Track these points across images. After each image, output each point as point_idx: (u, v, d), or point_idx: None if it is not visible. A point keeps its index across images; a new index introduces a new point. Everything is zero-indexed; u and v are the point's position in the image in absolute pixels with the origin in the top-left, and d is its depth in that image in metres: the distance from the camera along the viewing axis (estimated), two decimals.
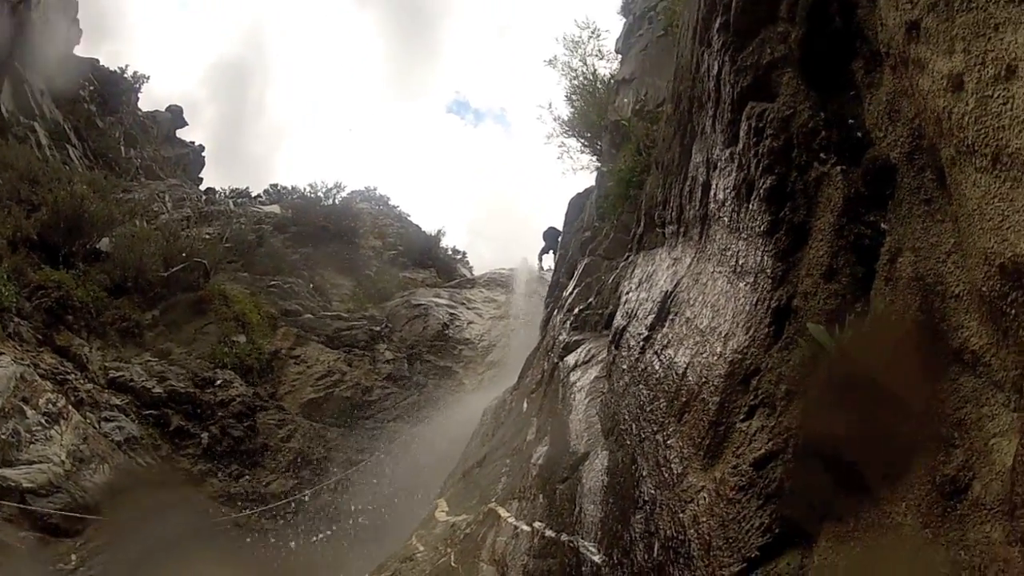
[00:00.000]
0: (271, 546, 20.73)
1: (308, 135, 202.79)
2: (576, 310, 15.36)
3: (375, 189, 54.83)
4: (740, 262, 6.46)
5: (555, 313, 18.83)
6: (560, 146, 27.09)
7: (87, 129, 43.29)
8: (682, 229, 9.15)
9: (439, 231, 50.73)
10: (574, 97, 25.91)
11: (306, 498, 22.97)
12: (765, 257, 5.87)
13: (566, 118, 26.70)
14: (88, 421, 19.39)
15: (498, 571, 9.41)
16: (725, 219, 7.12)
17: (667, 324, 8.17)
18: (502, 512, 10.97)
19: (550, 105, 29.31)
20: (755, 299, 5.90)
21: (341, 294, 36.54)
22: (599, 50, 26.25)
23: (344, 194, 46.14)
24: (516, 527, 9.95)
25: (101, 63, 51.75)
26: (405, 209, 53.83)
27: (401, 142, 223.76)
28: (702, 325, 6.99)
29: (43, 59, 40.65)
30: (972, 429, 3.46)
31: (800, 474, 4.74)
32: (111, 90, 50.43)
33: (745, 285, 6.21)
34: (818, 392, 4.70)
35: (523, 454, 12.20)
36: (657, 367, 7.80)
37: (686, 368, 6.93)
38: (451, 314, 35.54)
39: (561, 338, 14.65)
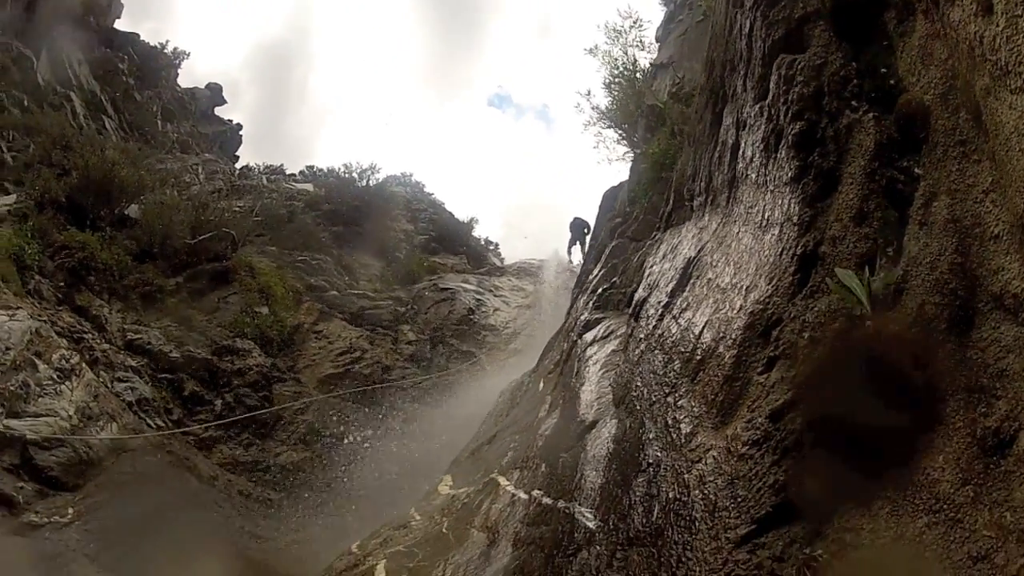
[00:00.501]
0: (274, 516, 20.59)
1: (348, 121, 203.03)
2: (600, 290, 15.06)
3: (411, 175, 54.30)
4: (766, 215, 6.29)
5: (579, 297, 18.60)
6: (596, 135, 26.96)
7: (124, 102, 43.61)
8: (710, 198, 8.98)
9: (472, 219, 50.58)
10: (613, 86, 25.78)
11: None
12: (792, 203, 5.69)
13: (604, 107, 26.62)
14: (101, 380, 19.32)
15: (488, 538, 9.25)
16: (752, 176, 6.96)
17: (688, 288, 8.01)
18: (502, 481, 10.86)
19: (589, 93, 29.14)
20: (780, 249, 5.71)
21: (369, 274, 36.41)
22: (640, 40, 26.01)
23: (379, 176, 45.85)
24: (514, 495, 9.79)
25: (142, 38, 52.15)
26: (440, 197, 53.16)
27: (440, 132, 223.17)
28: (723, 283, 6.81)
29: (82, 30, 40.83)
30: (1016, 379, 3.23)
31: (822, 426, 4.45)
32: (150, 65, 50.84)
33: (770, 237, 6.02)
34: (846, 339, 4.47)
35: (533, 429, 12.02)
36: (674, 330, 7.63)
37: (703, 327, 6.74)
38: (478, 300, 35.28)
39: (583, 318, 14.41)
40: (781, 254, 5.63)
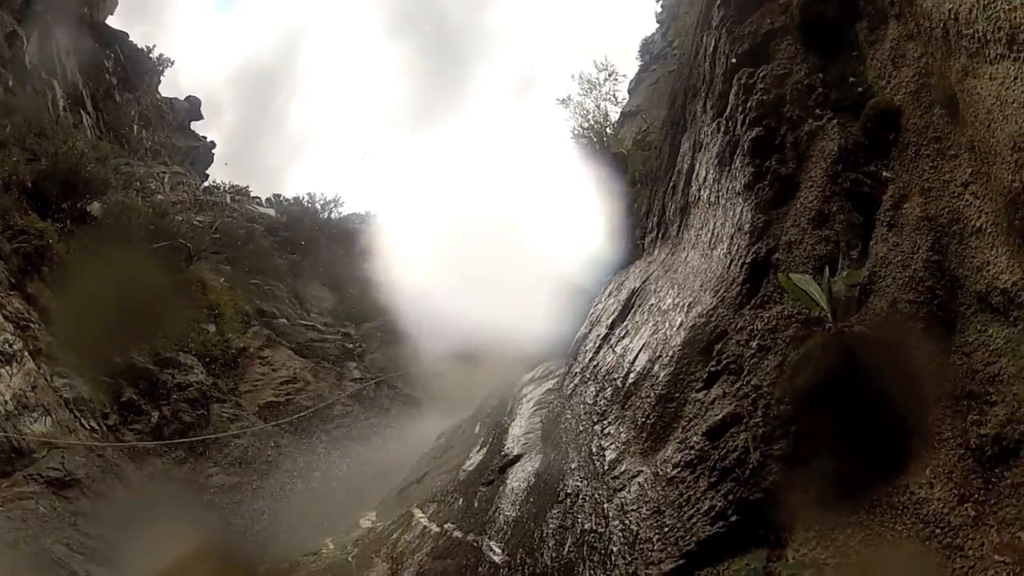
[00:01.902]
0: (201, 537, 20.15)
1: (322, 155, 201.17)
2: None
3: (375, 215, 54.45)
4: (716, 231, 5.99)
5: None
6: None
7: (104, 100, 43.16)
8: (661, 232, 8.77)
9: None
10: (581, 138, 25.80)
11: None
12: (744, 211, 5.37)
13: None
14: (41, 372, 18.87)
15: (391, 568, 8.79)
16: (705, 195, 6.71)
17: (628, 317, 7.71)
18: (417, 513, 10.45)
19: (557, 145, 29.35)
20: (728, 261, 5.39)
21: (321, 307, 35.99)
22: (613, 94, 26.10)
23: (342, 210, 45.61)
24: (426, 527, 9.35)
25: (131, 39, 51.95)
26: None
27: (410, 176, 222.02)
28: (664, 305, 6.49)
29: (75, 19, 40.70)
30: (1013, 383, 2.88)
31: (771, 441, 3.97)
32: (134, 67, 50.34)
33: (719, 252, 5.70)
34: (801, 345, 4.04)
35: (458, 467, 11.71)
36: (609, 359, 7.31)
37: (639, 350, 6.39)
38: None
39: None
40: (729, 265, 5.32)
